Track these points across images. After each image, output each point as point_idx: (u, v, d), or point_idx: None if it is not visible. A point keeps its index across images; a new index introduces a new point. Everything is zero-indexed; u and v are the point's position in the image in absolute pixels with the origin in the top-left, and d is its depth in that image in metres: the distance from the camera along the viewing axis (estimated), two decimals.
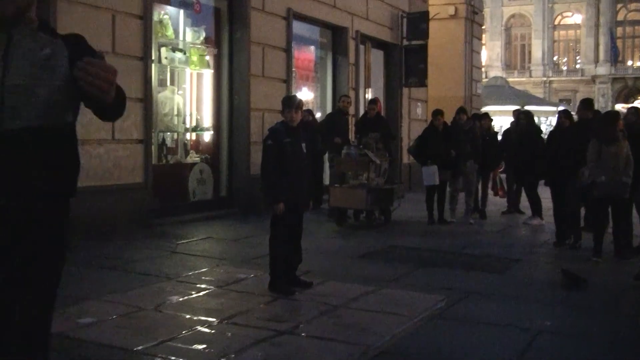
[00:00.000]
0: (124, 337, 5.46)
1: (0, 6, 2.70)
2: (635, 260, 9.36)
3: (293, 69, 15.17)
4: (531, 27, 64.41)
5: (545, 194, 12.32)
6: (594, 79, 61.05)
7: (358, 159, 12.35)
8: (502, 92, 35.66)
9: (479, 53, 27.07)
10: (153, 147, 11.62)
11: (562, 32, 65.44)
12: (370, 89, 18.99)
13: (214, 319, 6.06)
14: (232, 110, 13.54)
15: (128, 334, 5.56)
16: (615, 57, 60.26)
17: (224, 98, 13.54)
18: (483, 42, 35.42)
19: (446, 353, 5.44)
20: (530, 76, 63.11)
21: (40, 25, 2.84)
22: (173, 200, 12.31)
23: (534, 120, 14.08)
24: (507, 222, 14.02)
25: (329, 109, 16.48)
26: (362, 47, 18.07)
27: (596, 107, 12.53)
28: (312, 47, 17.14)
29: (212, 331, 5.77)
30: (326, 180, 14.47)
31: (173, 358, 4.99)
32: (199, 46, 13.16)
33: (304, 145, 7.36)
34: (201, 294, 7.05)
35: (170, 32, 12.55)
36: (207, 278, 7.78)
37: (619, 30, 62.19)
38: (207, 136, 13.66)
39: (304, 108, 9.36)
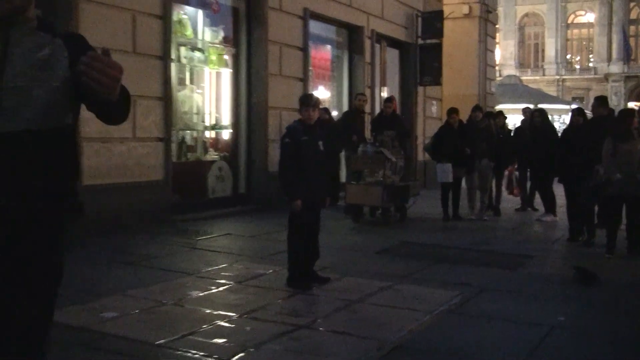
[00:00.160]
0: (146, 330, 5.50)
1: None
2: None
3: (310, 68, 15.17)
4: (544, 25, 64.12)
5: (558, 191, 12.29)
6: (606, 77, 60.67)
7: (374, 156, 12.34)
8: (515, 91, 35.49)
9: (492, 52, 26.98)
10: (173, 145, 11.65)
11: (575, 31, 65.07)
12: (385, 88, 18.95)
13: (233, 314, 6.09)
14: (250, 109, 13.55)
15: (150, 327, 5.60)
16: (627, 55, 59.91)
17: (242, 96, 13.55)
18: (497, 40, 35.36)
19: (460, 348, 5.44)
20: (544, 75, 62.81)
21: (39, 23, 2.71)
22: (193, 197, 12.33)
23: (548, 119, 14.02)
24: (520, 219, 13.98)
25: (345, 108, 16.47)
26: (377, 46, 18.06)
27: (609, 105, 12.44)
28: (329, 46, 17.12)
29: (232, 325, 5.79)
30: (343, 178, 14.47)
31: (194, 351, 5.02)
32: (218, 45, 13.19)
33: (320, 143, 7.36)
34: (221, 289, 7.08)
35: (189, 31, 12.58)
36: (226, 273, 7.80)
37: (632, 28, 61.80)
38: (226, 134, 13.69)
39: (321, 106, 9.36)
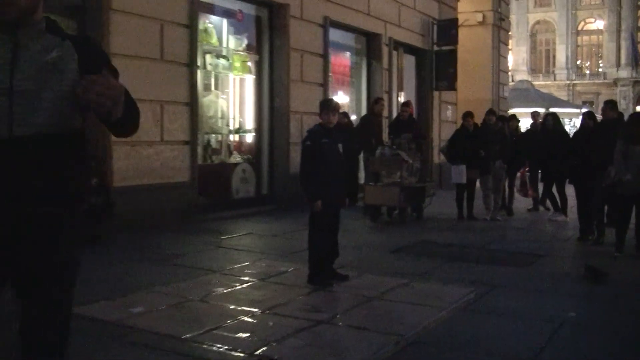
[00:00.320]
0: (173, 325, 5.50)
1: (2, 9, 2.47)
2: None
3: (330, 74, 15.18)
4: (555, 32, 63.77)
5: (569, 191, 12.21)
6: (615, 82, 60.24)
7: (392, 158, 12.33)
8: (527, 95, 35.30)
9: (505, 58, 26.86)
10: (199, 148, 11.69)
11: (585, 37, 64.67)
12: (402, 93, 18.92)
13: (256, 310, 6.08)
14: (273, 113, 13.58)
15: (177, 322, 5.60)
16: (636, 60, 59.44)
17: (265, 101, 13.58)
18: (509, 47, 35.16)
19: (475, 342, 5.41)
20: (555, 79, 62.45)
21: (47, 25, 2.61)
22: (217, 198, 12.37)
23: (560, 122, 13.93)
24: (532, 218, 13.91)
25: (363, 112, 16.45)
26: (394, 52, 18.04)
27: (618, 108, 12.33)
28: (348, 53, 17.13)
29: (255, 321, 5.79)
30: (361, 179, 14.46)
31: (218, 345, 5.02)
32: (241, 53, 13.24)
33: (340, 145, 7.35)
34: (244, 286, 7.08)
35: (214, 39, 12.63)
36: (249, 271, 7.81)
37: None
38: (249, 137, 13.72)
39: (340, 111, 9.35)
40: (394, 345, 5.21)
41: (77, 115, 2.60)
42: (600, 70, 63.13)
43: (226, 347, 4.99)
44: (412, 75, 19.67)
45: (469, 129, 13.11)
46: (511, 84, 37.53)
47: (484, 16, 24.09)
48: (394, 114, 16.38)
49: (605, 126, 10.70)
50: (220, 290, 6.84)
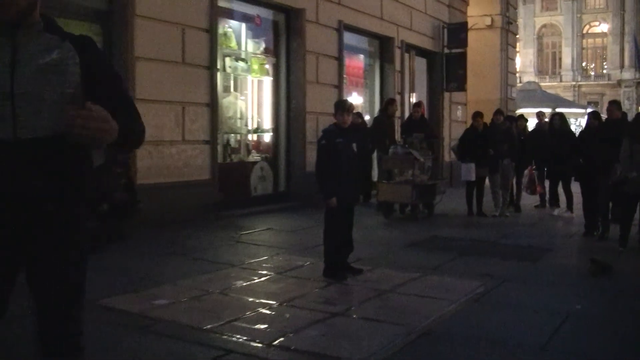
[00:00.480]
0: (194, 316, 5.51)
1: (2, 9, 2.37)
2: None
3: (344, 76, 15.14)
4: (561, 35, 63.41)
5: (575, 189, 12.14)
6: (619, 83, 59.92)
7: (404, 157, 12.30)
8: (534, 96, 35.23)
9: (513, 60, 26.75)
10: (218, 147, 11.69)
11: (590, 40, 64.25)
12: (414, 94, 18.85)
13: (274, 302, 6.08)
14: (290, 114, 13.57)
15: (198, 314, 5.61)
16: (639, 62, 59.04)
17: (282, 102, 13.58)
18: (517, 49, 35.01)
19: (484, 334, 5.38)
20: (561, 81, 62.13)
21: (46, 24, 2.50)
22: (236, 195, 12.35)
23: (567, 122, 13.84)
24: (539, 215, 13.83)
25: (376, 112, 16.41)
26: (406, 55, 17.99)
27: (622, 108, 12.24)
28: (361, 56, 17.09)
29: (272, 313, 5.79)
30: (375, 177, 14.43)
31: (238, 336, 5.02)
32: (259, 56, 13.24)
33: (354, 145, 7.34)
34: (262, 279, 7.09)
35: (233, 43, 12.63)
36: (267, 265, 7.81)
37: None
38: (267, 137, 13.71)
39: (354, 111, 9.33)
40: (406, 336, 5.20)
41: None
42: (604, 71, 62.75)
43: (245, 338, 4.99)
44: (423, 76, 19.62)
45: (478, 129, 13.06)
46: (519, 85, 37.38)
47: (492, 20, 24.00)
48: (406, 115, 16.33)
49: (609, 125, 10.63)
50: (239, 283, 6.84)
